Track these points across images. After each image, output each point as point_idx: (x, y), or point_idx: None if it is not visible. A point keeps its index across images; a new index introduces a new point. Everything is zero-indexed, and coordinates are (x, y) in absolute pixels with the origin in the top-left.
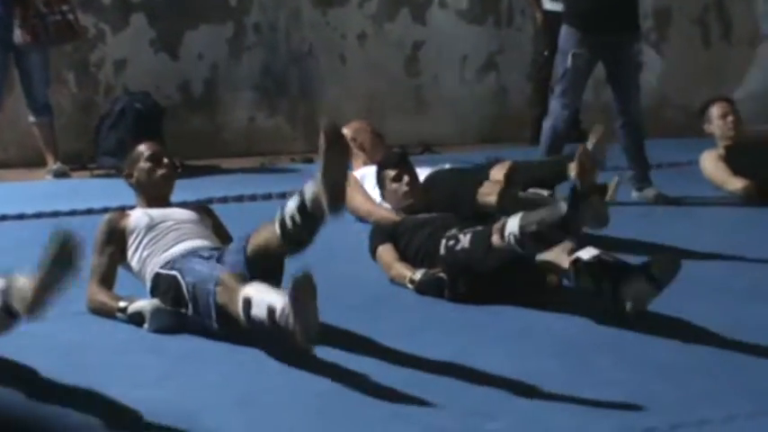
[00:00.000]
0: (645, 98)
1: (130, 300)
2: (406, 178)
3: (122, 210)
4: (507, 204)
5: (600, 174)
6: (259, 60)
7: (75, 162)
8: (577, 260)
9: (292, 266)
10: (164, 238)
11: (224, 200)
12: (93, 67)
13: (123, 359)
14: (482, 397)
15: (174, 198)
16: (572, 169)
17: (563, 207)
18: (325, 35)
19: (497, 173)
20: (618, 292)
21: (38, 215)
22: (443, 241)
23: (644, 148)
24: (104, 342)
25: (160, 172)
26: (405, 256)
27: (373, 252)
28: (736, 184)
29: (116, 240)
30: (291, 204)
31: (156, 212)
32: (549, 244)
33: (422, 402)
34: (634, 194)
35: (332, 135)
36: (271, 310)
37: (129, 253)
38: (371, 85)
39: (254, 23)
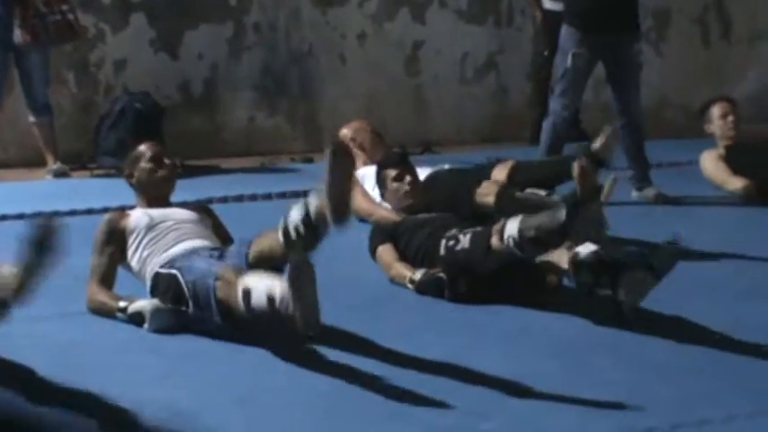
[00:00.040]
0: (645, 98)
1: (130, 300)
2: (407, 178)
3: (122, 210)
4: (505, 204)
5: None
6: (259, 60)
7: (75, 162)
8: (576, 255)
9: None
10: (164, 238)
11: (224, 200)
12: (92, 66)
13: (123, 359)
14: (481, 397)
15: (174, 198)
16: (575, 170)
17: (562, 213)
18: (325, 35)
19: (499, 172)
20: (617, 284)
21: (38, 215)
22: (443, 241)
23: (644, 148)
24: (104, 342)
25: (161, 172)
26: (404, 256)
27: (373, 252)
28: (736, 183)
29: (116, 240)
30: (295, 215)
31: (156, 212)
32: (547, 248)
33: (421, 402)
34: (634, 194)
35: (338, 150)
36: (270, 298)
37: (129, 253)
38: (371, 84)
39: (254, 23)
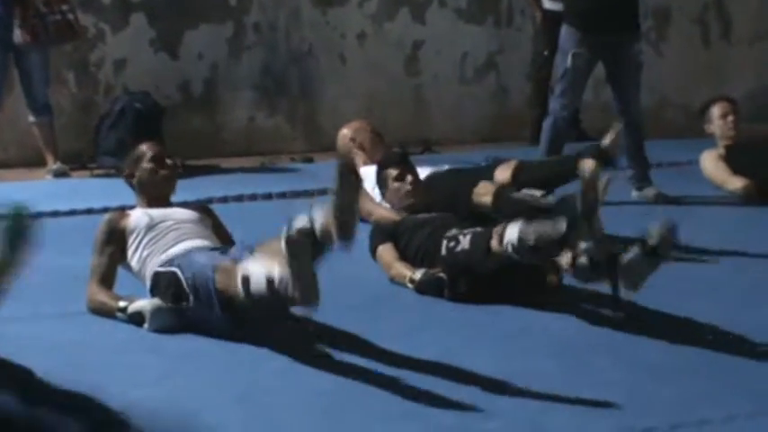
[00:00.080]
0: (645, 98)
1: (130, 299)
2: (408, 177)
3: (122, 209)
4: (502, 205)
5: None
6: (259, 60)
7: (75, 162)
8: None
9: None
10: (163, 237)
11: (224, 199)
12: (92, 66)
13: (123, 359)
14: (481, 396)
15: (174, 198)
16: (582, 168)
17: (562, 225)
18: (325, 35)
19: (502, 172)
20: (616, 271)
21: (37, 215)
22: (444, 242)
23: (644, 148)
24: (104, 342)
25: (163, 173)
26: (404, 256)
27: (373, 251)
28: (735, 183)
29: (116, 240)
30: (300, 226)
31: (156, 212)
32: (545, 257)
33: (421, 401)
34: (634, 194)
35: (345, 170)
36: (269, 280)
37: (129, 253)
38: (371, 84)
39: (254, 23)
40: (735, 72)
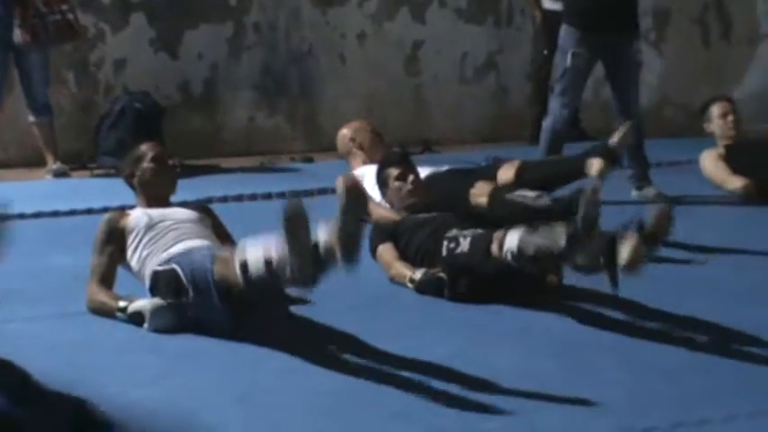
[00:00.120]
0: (645, 97)
1: (130, 299)
2: (410, 177)
3: (122, 209)
4: (498, 205)
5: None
6: (259, 60)
7: (75, 162)
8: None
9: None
10: (163, 237)
11: (224, 199)
12: (92, 66)
13: (123, 359)
14: (482, 396)
15: (174, 198)
16: (590, 167)
17: (562, 240)
18: (325, 35)
19: (506, 172)
20: (615, 257)
21: (37, 215)
22: (444, 242)
23: (643, 147)
24: (104, 342)
25: (165, 173)
26: (405, 256)
27: (373, 251)
28: (735, 183)
29: (115, 240)
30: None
31: (156, 212)
32: (544, 268)
33: (421, 402)
34: (634, 193)
35: (352, 192)
36: (268, 261)
37: (129, 252)
38: (371, 84)
39: (254, 23)
40: (735, 72)
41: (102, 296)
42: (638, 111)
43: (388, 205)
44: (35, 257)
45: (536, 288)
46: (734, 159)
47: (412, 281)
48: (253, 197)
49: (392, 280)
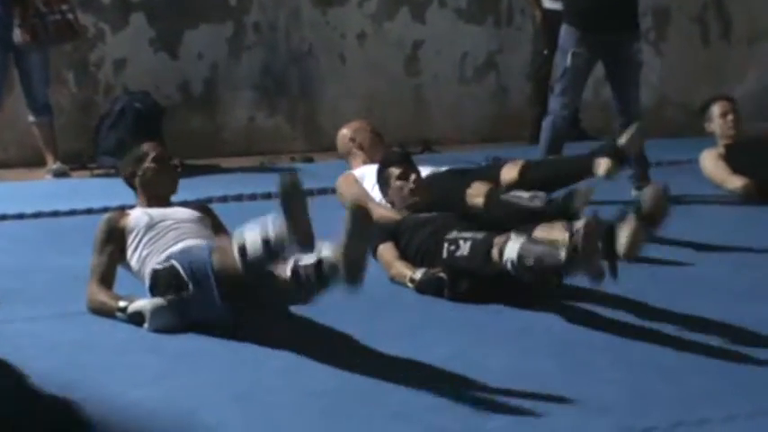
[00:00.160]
0: (645, 97)
1: (130, 299)
2: (412, 176)
3: (122, 209)
4: (493, 206)
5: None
6: (259, 60)
7: (75, 162)
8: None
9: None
10: (163, 237)
11: (224, 199)
12: (92, 66)
13: (123, 359)
14: (482, 396)
15: (174, 197)
16: (598, 167)
17: (562, 255)
18: (325, 35)
19: (509, 171)
20: (613, 247)
21: (37, 215)
22: (445, 244)
23: (643, 147)
24: (104, 342)
25: (167, 172)
26: (405, 255)
27: (374, 251)
28: (735, 182)
29: (115, 240)
30: (307, 260)
31: (156, 212)
32: (543, 280)
33: (421, 401)
34: (634, 193)
35: (358, 214)
36: (265, 240)
37: (129, 252)
38: (371, 84)
39: (254, 23)
40: (734, 71)
41: (102, 296)
42: (638, 111)
43: (388, 205)
44: (35, 257)
45: (536, 288)
46: (734, 159)
47: (412, 281)
48: (253, 197)
49: (392, 280)
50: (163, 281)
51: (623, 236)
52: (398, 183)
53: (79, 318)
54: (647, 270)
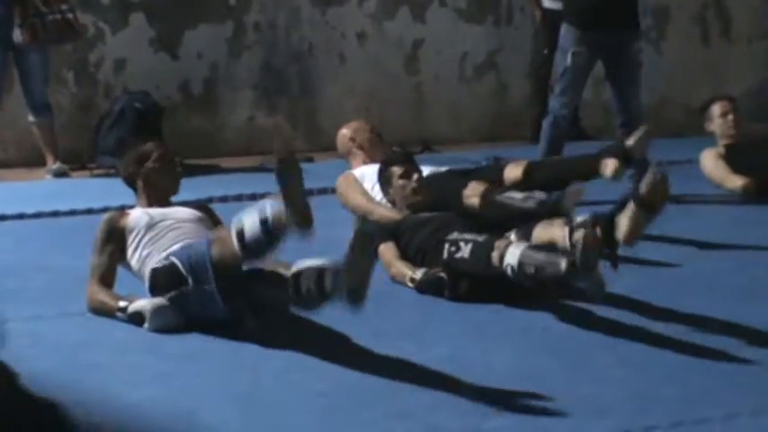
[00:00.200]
0: (645, 96)
1: (130, 299)
2: (414, 176)
3: (122, 209)
4: (489, 207)
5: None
6: (259, 59)
7: (75, 161)
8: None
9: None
10: (163, 237)
11: (224, 199)
12: (92, 66)
13: (123, 359)
14: (482, 395)
15: (174, 197)
16: (605, 167)
17: (562, 267)
18: (325, 34)
19: (513, 170)
20: (613, 238)
21: (37, 215)
22: (446, 245)
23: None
24: (104, 342)
25: (170, 172)
26: (405, 255)
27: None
28: (735, 181)
29: (115, 239)
30: (309, 273)
31: (156, 212)
32: (542, 287)
33: (421, 401)
34: None
35: (363, 240)
36: (263, 220)
37: (129, 252)
38: (371, 83)
39: (254, 22)
40: (734, 70)
41: (102, 296)
42: (638, 110)
43: (389, 204)
44: (35, 257)
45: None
46: (734, 158)
47: (412, 280)
48: (253, 197)
49: (393, 279)
50: (162, 279)
51: (623, 223)
52: (401, 182)
53: (79, 318)
54: (648, 270)
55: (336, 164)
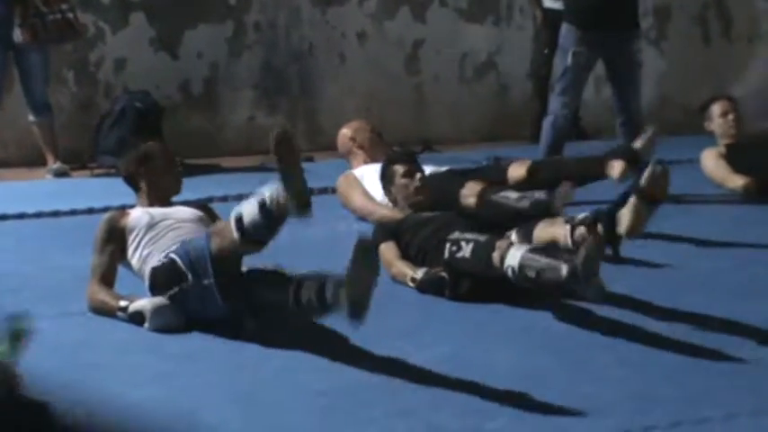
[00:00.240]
0: (645, 96)
1: (131, 299)
2: (417, 175)
3: (122, 208)
4: (485, 207)
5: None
6: (259, 59)
7: (76, 161)
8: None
9: None
10: (164, 237)
11: (224, 199)
12: (92, 66)
13: (123, 358)
14: (483, 395)
15: (175, 197)
16: (612, 169)
17: (563, 273)
18: (325, 34)
19: (516, 170)
20: (615, 223)
21: (38, 214)
22: (447, 245)
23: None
24: (104, 341)
25: (173, 172)
26: (406, 254)
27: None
28: (736, 181)
29: (116, 239)
30: (310, 284)
31: (157, 211)
32: (542, 290)
33: (421, 401)
34: None
35: (366, 250)
36: (261, 203)
37: (130, 251)
38: (371, 83)
39: (254, 22)
40: (735, 70)
41: (102, 296)
42: (638, 110)
43: (390, 204)
44: (36, 257)
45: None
46: (734, 158)
47: (413, 280)
48: None
49: (393, 279)
50: (162, 277)
51: (625, 217)
52: (404, 180)
53: (80, 317)
54: (648, 269)
55: (337, 164)
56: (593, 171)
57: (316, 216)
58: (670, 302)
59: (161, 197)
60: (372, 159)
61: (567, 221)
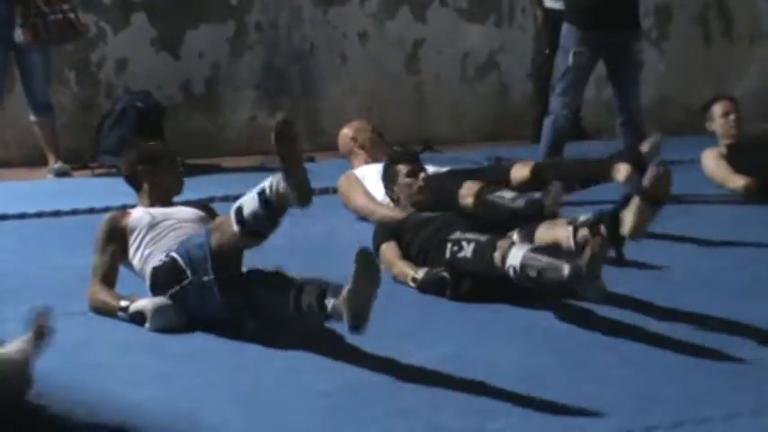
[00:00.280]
0: (645, 96)
1: (132, 299)
2: (421, 174)
3: (123, 208)
4: (483, 206)
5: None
6: (260, 59)
7: (77, 161)
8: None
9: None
10: (165, 237)
11: (225, 199)
12: (94, 66)
13: (124, 358)
14: (484, 395)
15: (176, 197)
16: (618, 172)
17: (565, 273)
18: (326, 34)
19: (519, 170)
20: (618, 225)
21: (39, 214)
22: (448, 245)
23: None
24: (105, 341)
25: (174, 173)
26: (407, 254)
27: (376, 250)
28: (737, 181)
29: (117, 239)
30: (311, 290)
31: (158, 211)
32: (543, 289)
33: (422, 401)
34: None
35: (367, 261)
36: (261, 193)
37: (131, 252)
38: (372, 83)
39: (256, 22)
40: (736, 70)
41: (103, 296)
42: (638, 110)
43: (391, 203)
44: (36, 257)
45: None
46: (735, 158)
47: (414, 280)
48: None
49: (394, 279)
50: (162, 276)
51: (628, 218)
52: (407, 180)
53: (81, 317)
54: (649, 269)
55: (338, 163)
56: (597, 173)
57: (316, 216)
58: (671, 302)
59: (162, 197)
60: (373, 159)
61: (569, 223)
